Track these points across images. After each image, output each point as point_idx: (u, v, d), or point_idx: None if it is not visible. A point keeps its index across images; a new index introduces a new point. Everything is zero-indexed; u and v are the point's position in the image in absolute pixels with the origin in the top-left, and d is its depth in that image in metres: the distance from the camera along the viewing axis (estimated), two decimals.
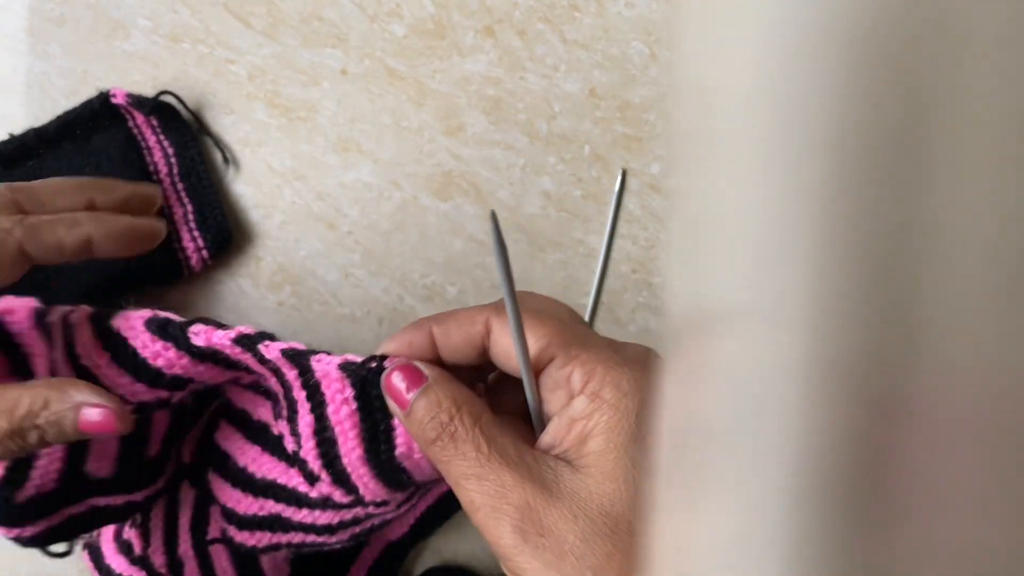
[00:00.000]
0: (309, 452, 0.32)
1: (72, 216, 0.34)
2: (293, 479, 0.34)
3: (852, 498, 0.14)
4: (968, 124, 0.12)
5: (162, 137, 0.48)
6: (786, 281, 0.14)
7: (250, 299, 0.49)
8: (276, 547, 0.37)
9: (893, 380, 0.13)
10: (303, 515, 0.35)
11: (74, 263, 0.36)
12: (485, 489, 0.26)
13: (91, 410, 0.30)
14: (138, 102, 0.47)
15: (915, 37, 0.12)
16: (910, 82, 0.12)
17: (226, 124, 0.50)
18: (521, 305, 0.28)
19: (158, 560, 0.40)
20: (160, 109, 0.48)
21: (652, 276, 0.49)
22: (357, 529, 0.36)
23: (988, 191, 0.13)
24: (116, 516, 0.37)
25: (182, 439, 0.39)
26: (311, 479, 0.33)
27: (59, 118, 0.47)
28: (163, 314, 0.33)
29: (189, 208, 0.48)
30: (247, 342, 0.31)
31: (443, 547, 0.49)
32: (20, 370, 0.31)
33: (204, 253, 0.48)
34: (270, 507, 0.35)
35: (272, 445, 0.36)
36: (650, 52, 0.48)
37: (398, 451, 0.30)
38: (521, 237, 0.49)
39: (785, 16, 0.13)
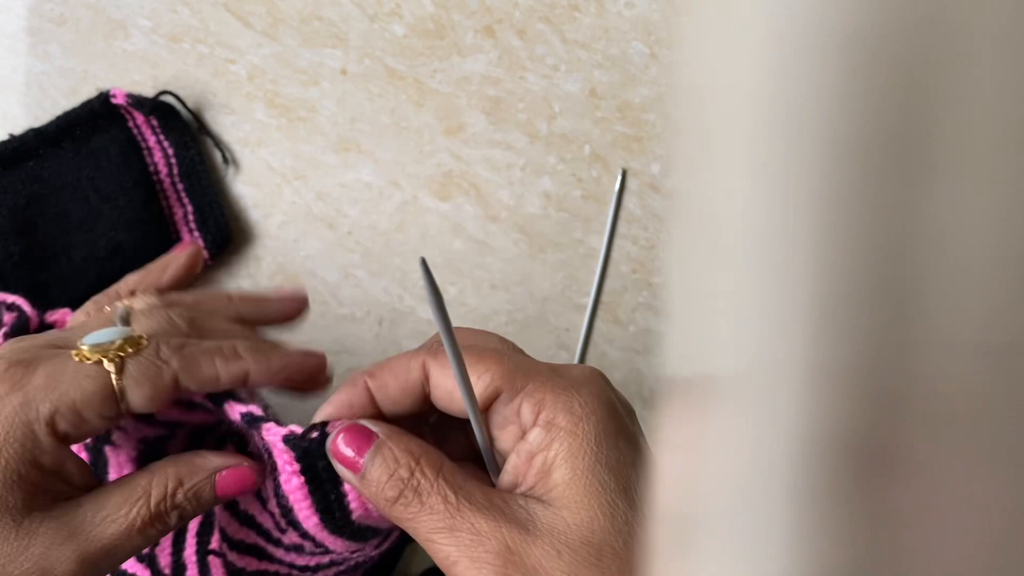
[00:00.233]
0: (274, 509, 0.32)
1: (232, 347, 0.31)
2: (267, 521, 0.33)
3: (849, 545, 0.14)
4: (969, 126, 0.12)
5: (162, 137, 0.48)
6: (786, 285, 0.14)
7: None
8: (264, 573, 0.37)
9: (894, 397, 0.13)
10: (280, 553, 0.34)
11: None
12: (460, 541, 0.24)
13: (229, 472, 0.30)
14: (138, 102, 0.47)
15: (916, 37, 0.12)
16: (911, 83, 0.12)
17: (226, 124, 0.50)
18: (445, 358, 0.27)
19: (164, 560, 0.40)
20: (160, 109, 0.48)
21: (652, 276, 0.49)
22: (342, 567, 0.35)
23: (990, 197, 0.13)
24: None
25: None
26: (280, 529, 0.32)
27: (59, 118, 0.47)
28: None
29: (189, 208, 0.48)
30: (216, 400, 0.31)
31: None
32: None
33: (204, 253, 0.48)
34: (253, 538, 0.35)
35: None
36: (650, 52, 0.48)
37: (354, 515, 0.29)
38: (521, 237, 0.49)
39: (785, 16, 0.13)
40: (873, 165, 0.13)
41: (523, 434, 0.26)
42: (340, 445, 0.27)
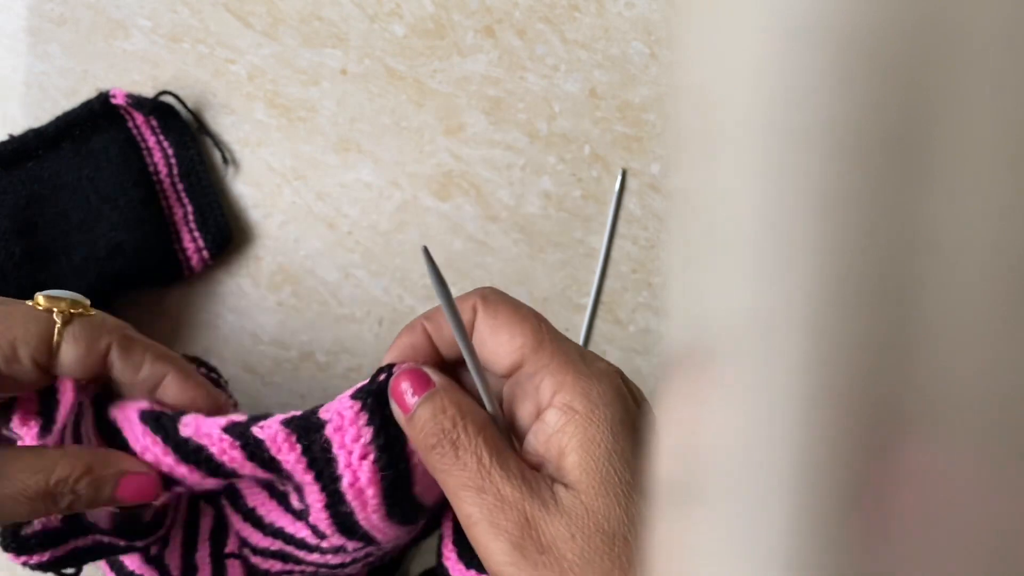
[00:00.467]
0: (320, 521, 0.31)
1: (164, 351, 0.34)
2: (301, 531, 0.34)
3: (851, 510, 0.14)
4: (969, 126, 0.12)
5: (161, 137, 0.48)
6: (786, 288, 0.14)
7: (250, 299, 0.49)
8: (290, 573, 0.37)
9: (894, 390, 0.13)
10: (314, 557, 0.34)
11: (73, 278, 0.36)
12: (484, 502, 0.25)
13: (135, 477, 0.31)
14: (138, 102, 0.47)
15: (915, 37, 0.12)
16: (910, 83, 0.12)
17: (226, 124, 0.50)
18: (497, 304, 0.28)
19: (173, 562, 0.40)
20: (159, 109, 0.48)
21: (652, 276, 0.49)
22: (373, 558, 0.35)
23: (989, 195, 0.13)
24: (120, 551, 0.38)
25: (177, 504, 0.39)
26: (320, 535, 0.32)
27: (58, 119, 0.47)
28: (158, 407, 0.32)
29: (189, 208, 0.48)
30: (237, 430, 0.30)
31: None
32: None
33: (204, 253, 0.48)
34: (280, 545, 0.35)
35: (278, 496, 0.35)
36: (650, 52, 0.48)
37: (347, 496, 0.30)
38: (521, 237, 0.49)
39: (785, 16, 0.13)
40: (873, 161, 0.13)
41: (539, 412, 0.27)
42: (401, 384, 0.28)
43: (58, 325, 0.31)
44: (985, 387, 0.13)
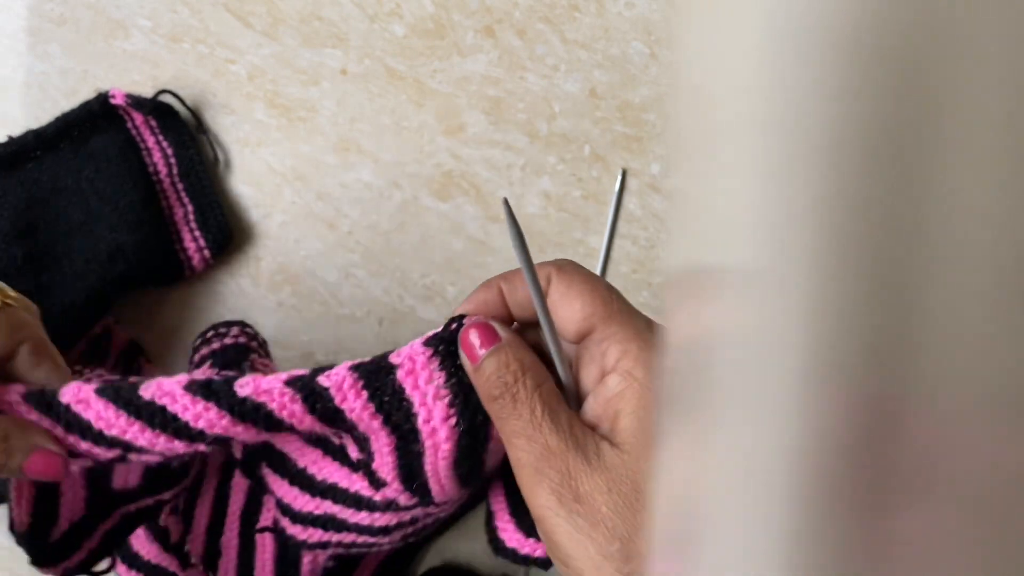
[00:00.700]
0: (384, 466, 0.32)
1: (56, 353, 0.34)
2: (356, 484, 0.34)
3: (850, 464, 0.14)
4: (969, 120, 0.12)
5: (161, 138, 0.48)
6: (785, 286, 0.14)
7: (250, 299, 0.49)
8: (326, 545, 0.37)
9: (893, 372, 0.13)
10: (361, 517, 0.35)
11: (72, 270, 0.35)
12: (532, 449, 0.27)
13: (45, 454, 0.31)
14: (137, 103, 0.47)
15: (915, 34, 0.12)
16: (910, 80, 0.12)
17: (226, 124, 0.50)
18: (569, 272, 0.29)
19: (196, 548, 0.40)
20: (159, 109, 0.48)
21: (652, 276, 0.49)
22: (410, 530, 0.36)
23: (989, 184, 0.13)
24: (148, 515, 0.37)
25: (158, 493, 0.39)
26: (377, 485, 0.33)
27: (57, 120, 0.47)
28: (200, 376, 0.32)
29: (189, 208, 0.48)
30: (299, 383, 0.30)
31: (444, 547, 0.49)
32: None
33: (206, 252, 0.48)
34: (327, 507, 0.36)
35: (333, 451, 0.35)
36: (650, 52, 0.48)
37: (421, 437, 0.31)
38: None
39: (785, 15, 0.13)
40: (872, 161, 0.13)
41: (602, 376, 0.29)
42: (470, 336, 0.29)
43: None
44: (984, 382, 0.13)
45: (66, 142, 0.47)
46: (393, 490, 0.32)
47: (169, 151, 0.48)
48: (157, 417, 0.30)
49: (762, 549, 0.15)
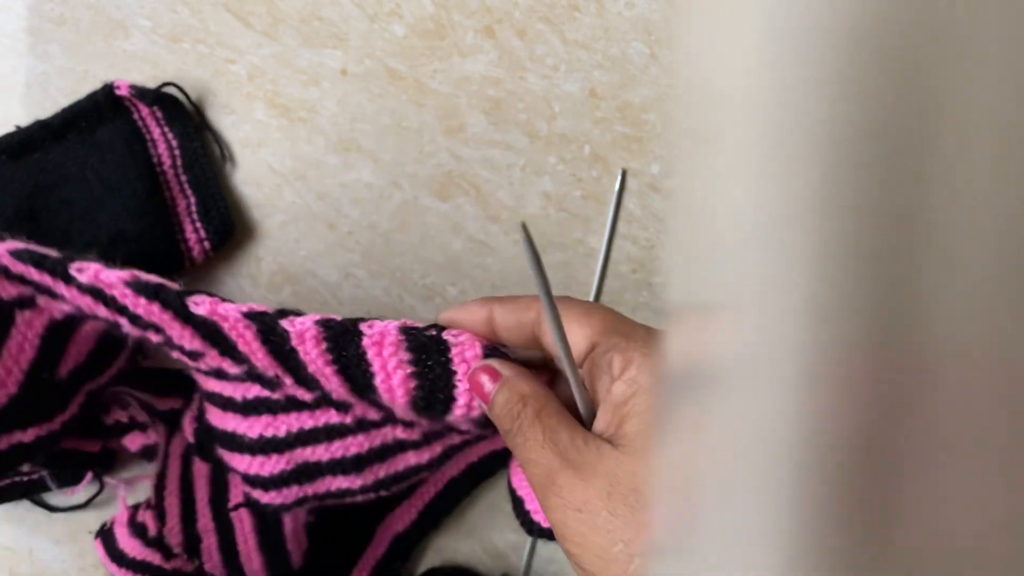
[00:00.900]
0: (343, 396, 0.33)
1: None
2: (321, 418, 0.36)
3: (851, 464, 0.14)
4: (968, 121, 0.12)
5: (166, 129, 0.48)
6: (785, 283, 0.14)
7: (250, 299, 0.49)
8: (302, 501, 0.37)
9: (894, 374, 0.14)
10: (335, 448, 0.36)
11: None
12: (539, 472, 0.29)
13: None
14: (141, 93, 0.47)
15: (915, 35, 0.12)
16: (909, 80, 0.13)
17: (226, 124, 0.50)
18: (567, 302, 0.31)
19: (174, 539, 0.40)
20: (163, 100, 0.48)
21: (652, 276, 0.49)
22: (381, 472, 0.36)
23: (988, 186, 0.13)
24: (29, 454, 0.37)
25: (97, 377, 0.38)
26: (344, 408, 0.34)
27: (64, 110, 0.47)
28: (147, 277, 0.32)
29: (192, 200, 0.48)
30: (258, 318, 0.31)
31: (444, 547, 0.49)
32: None
33: (206, 244, 0.48)
34: (297, 456, 0.37)
35: (283, 407, 0.36)
36: (650, 52, 0.48)
37: (451, 416, 0.32)
38: (521, 237, 0.49)
39: (785, 15, 0.13)
40: (872, 162, 0.13)
41: (611, 385, 0.30)
42: (479, 377, 0.32)
43: None
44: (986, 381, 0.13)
45: (73, 132, 0.47)
46: (360, 408, 0.34)
47: (174, 143, 0.48)
48: (91, 292, 0.31)
49: (760, 551, 0.15)
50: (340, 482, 0.37)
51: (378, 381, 0.32)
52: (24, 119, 0.49)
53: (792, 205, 0.14)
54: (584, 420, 0.31)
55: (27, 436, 0.36)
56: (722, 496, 0.16)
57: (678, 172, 0.17)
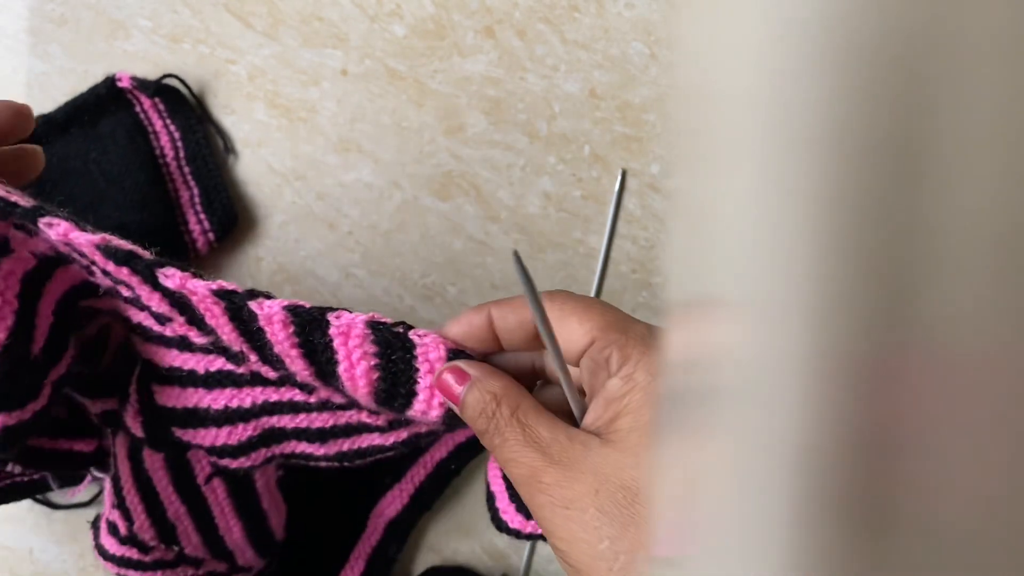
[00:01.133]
0: (308, 379, 0.33)
1: None
2: (287, 394, 0.36)
3: (851, 471, 0.14)
4: (968, 123, 0.12)
5: (168, 121, 0.48)
6: (785, 281, 0.14)
7: None
8: (270, 459, 0.38)
9: (893, 371, 0.14)
10: (300, 419, 0.36)
11: None
12: (522, 471, 0.29)
13: None
14: (142, 84, 0.47)
15: (915, 36, 0.12)
16: (910, 81, 0.13)
17: (226, 124, 0.50)
18: (565, 299, 0.31)
19: (146, 535, 0.40)
20: (165, 92, 0.48)
21: (652, 276, 0.49)
22: (345, 446, 0.37)
23: (987, 187, 0.13)
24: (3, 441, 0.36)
25: (57, 363, 0.38)
26: (308, 390, 0.35)
27: (67, 104, 0.48)
28: (119, 243, 0.32)
29: (195, 191, 0.49)
30: (228, 297, 0.31)
31: (443, 547, 0.49)
32: None
33: (210, 235, 0.48)
34: (263, 423, 0.37)
35: (247, 381, 0.36)
36: (650, 52, 0.49)
37: (410, 413, 0.32)
38: (521, 237, 0.49)
39: (785, 16, 0.13)
40: (871, 162, 0.13)
41: (607, 381, 0.30)
42: (445, 379, 0.31)
43: None
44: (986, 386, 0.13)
45: (76, 126, 0.48)
46: (324, 392, 0.34)
47: (176, 135, 0.49)
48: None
49: (763, 559, 0.15)
50: (305, 447, 0.37)
51: (341, 370, 0.32)
52: None
53: (792, 206, 0.14)
54: (576, 418, 0.31)
55: (10, 419, 0.36)
56: (724, 505, 0.16)
57: (678, 172, 0.17)
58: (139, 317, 0.36)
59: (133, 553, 0.40)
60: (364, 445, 0.37)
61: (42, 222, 0.31)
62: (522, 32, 0.49)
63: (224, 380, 0.37)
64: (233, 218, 0.49)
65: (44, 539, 0.48)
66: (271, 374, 0.35)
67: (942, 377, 0.13)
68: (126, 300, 0.36)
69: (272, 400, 0.36)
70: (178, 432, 0.39)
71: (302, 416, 0.36)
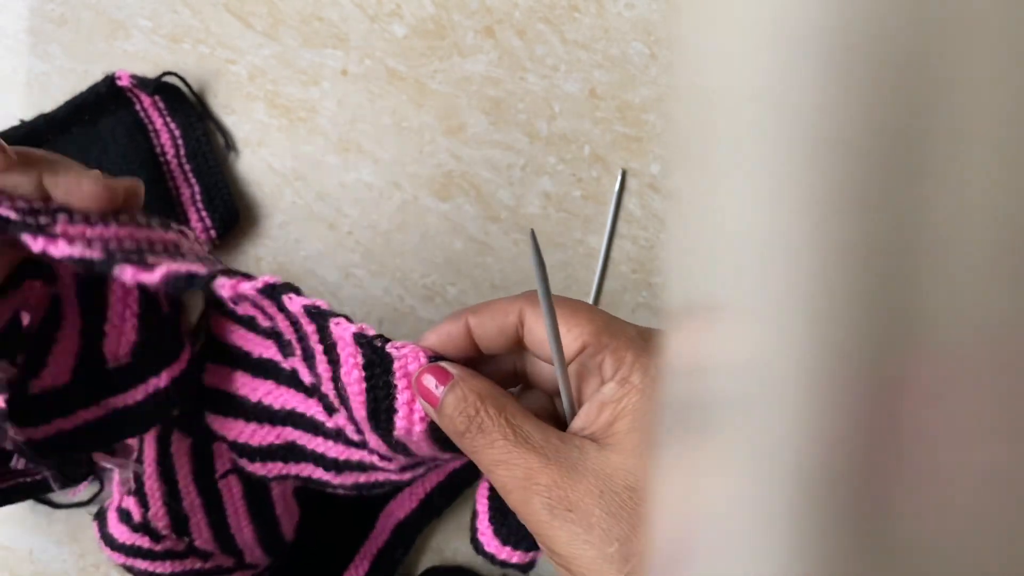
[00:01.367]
0: (329, 391, 0.33)
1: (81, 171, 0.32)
2: (312, 408, 0.36)
3: (852, 477, 0.14)
4: (968, 125, 0.12)
5: (168, 119, 0.49)
6: (786, 282, 0.14)
7: None
8: (284, 478, 0.38)
9: (893, 372, 0.13)
10: (317, 443, 0.36)
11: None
12: (514, 473, 0.27)
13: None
14: (142, 83, 0.47)
15: (914, 35, 0.12)
16: (910, 82, 0.13)
17: (227, 124, 0.50)
18: (554, 302, 0.29)
19: (160, 523, 0.40)
20: (165, 90, 0.48)
21: (652, 276, 0.49)
22: (361, 478, 0.36)
23: (988, 188, 0.13)
24: (136, 423, 0.37)
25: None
26: (330, 410, 0.34)
27: (67, 103, 0.48)
28: (184, 270, 0.32)
29: (196, 188, 0.49)
30: (271, 292, 0.31)
31: (443, 547, 0.49)
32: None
33: (212, 232, 0.48)
34: (287, 434, 0.37)
35: (286, 378, 0.36)
36: (650, 52, 0.49)
37: (396, 433, 0.31)
38: (521, 237, 0.49)
39: (785, 17, 0.13)
40: (873, 164, 0.13)
41: (601, 386, 0.29)
42: (424, 380, 0.30)
43: None
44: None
45: (76, 125, 0.48)
46: (342, 418, 0.34)
47: (176, 132, 0.49)
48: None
49: (761, 569, 0.15)
50: (321, 474, 0.37)
51: (343, 376, 0.32)
52: (26, 119, 0.49)
53: (791, 206, 0.14)
54: (567, 417, 0.30)
55: (136, 395, 0.36)
56: (726, 512, 0.16)
57: (678, 172, 0.17)
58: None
59: (144, 541, 0.40)
60: (380, 479, 0.37)
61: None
62: (522, 32, 0.49)
63: (268, 371, 0.37)
64: (234, 215, 0.49)
65: (44, 539, 0.48)
66: (306, 377, 0.35)
67: (944, 384, 0.13)
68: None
69: (299, 411, 0.36)
70: (209, 417, 0.39)
71: (320, 440, 0.36)
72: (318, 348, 0.32)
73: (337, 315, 0.31)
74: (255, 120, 0.49)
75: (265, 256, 0.49)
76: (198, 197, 0.48)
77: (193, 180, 0.49)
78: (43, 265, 0.34)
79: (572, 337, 0.29)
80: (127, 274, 0.28)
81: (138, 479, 0.40)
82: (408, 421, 0.31)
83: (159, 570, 0.40)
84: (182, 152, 0.49)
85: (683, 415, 0.18)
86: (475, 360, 0.32)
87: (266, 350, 0.37)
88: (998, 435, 0.14)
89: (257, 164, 0.50)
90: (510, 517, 0.33)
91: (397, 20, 0.49)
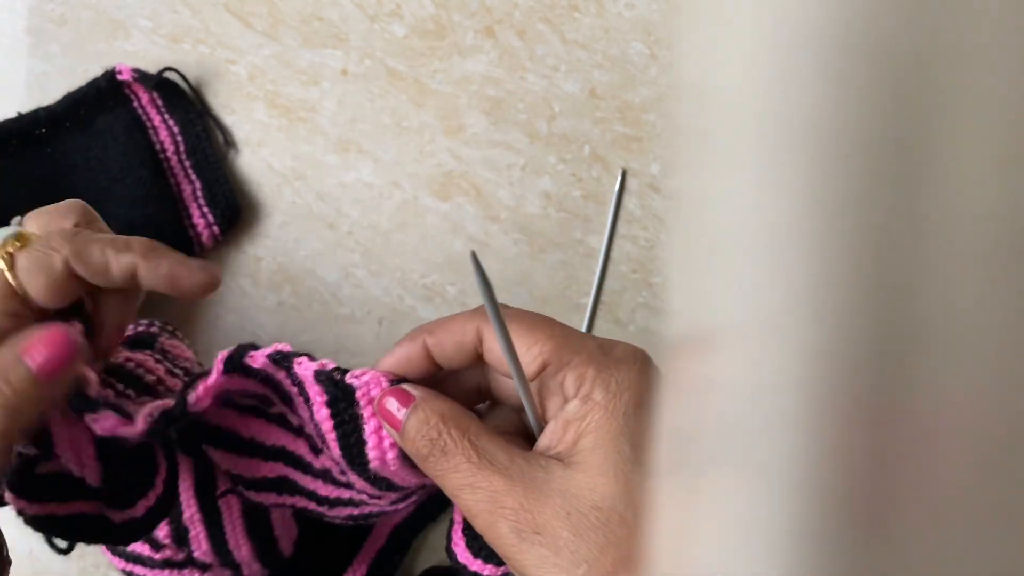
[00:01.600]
0: (312, 432, 0.33)
1: (124, 240, 0.32)
2: (300, 448, 0.35)
3: (852, 501, 0.14)
4: (966, 127, 0.12)
5: (167, 116, 0.48)
6: (785, 289, 0.14)
7: (250, 299, 0.49)
8: (281, 506, 0.38)
9: (892, 389, 0.13)
10: (307, 481, 0.36)
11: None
12: (479, 497, 0.27)
13: (39, 340, 0.28)
14: (143, 77, 0.47)
15: (913, 38, 0.12)
16: (908, 83, 0.13)
17: (227, 124, 0.50)
18: (511, 319, 0.29)
19: (160, 532, 0.40)
20: (164, 86, 0.48)
21: (652, 276, 0.49)
22: (355, 512, 0.36)
23: (987, 195, 0.13)
24: (118, 535, 0.37)
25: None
26: (315, 450, 0.34)
27: (66, 97, 0.48)
28: (159, 410, 0.32)
29: (197, 185, 0.49)
30: (232, 369, 0.31)
31: (443, 547, 0.49)
32: None
33: (215, 228, 0.48)
34: (279, 469, 0.36)
35: (276, 419, 0.36)
36: (650, 52, 0.49)
37: (371, 465, 0.31)
38: (521, 237, 0.49)
39: (784, 18, 0.13)
40: (871, 162, 0.13)
41: (564, 404, 0.28)
42: (386, 402, 0.29)
43: (7, 271, 0.30)
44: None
45: (73, 122, 0.48)
46: (327, 460, 0.33)
47: (176, 129, 0.49)
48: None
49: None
50: (314, 507, 0.37)
51: (315, 412, 0.31)
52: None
53: (791, 209, 0.14)
54: (534, 435, 0.29)
55: (117, 516, 0.36)
56: (724, 535, 0.16)
57: (678, 172, 0.16)
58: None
59: (144, 549, 0.40)
60: (375, 511, 0.37)
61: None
62: (522, 32, 0.49)
63: (258, 410, 0.36)
64: (236, 211, 0.49)
65: (44, 540, 0.48)
66: (294, 419, 0.35)
67: (943, 404, 0.13)
68: None
69: (289, 449, 0.36)
70: (204, 446, 0.39)
71: (309, 478, 0.35)
72: (293, 391, 0.32)
73: (300, 355, 0.31)
74: (255, 120, 0.49)
75: (265, 256, 0.49)
76: (199, 193, 0.48)
77: (194, 176, 0.49)
78: None
79: (531, 356, 0.28)
80: (106, 424, 0.29)
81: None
82: (379, 450, 0.30)
83: None
84: (182, 149, 0.49)
85: (681, 444, 0.17)
86: (438, 377, 0.31)
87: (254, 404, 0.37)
88: (997, 455, 0.14)
89: (257, 164, 0.50)
90: None
91: (397, 20, 0.49)
